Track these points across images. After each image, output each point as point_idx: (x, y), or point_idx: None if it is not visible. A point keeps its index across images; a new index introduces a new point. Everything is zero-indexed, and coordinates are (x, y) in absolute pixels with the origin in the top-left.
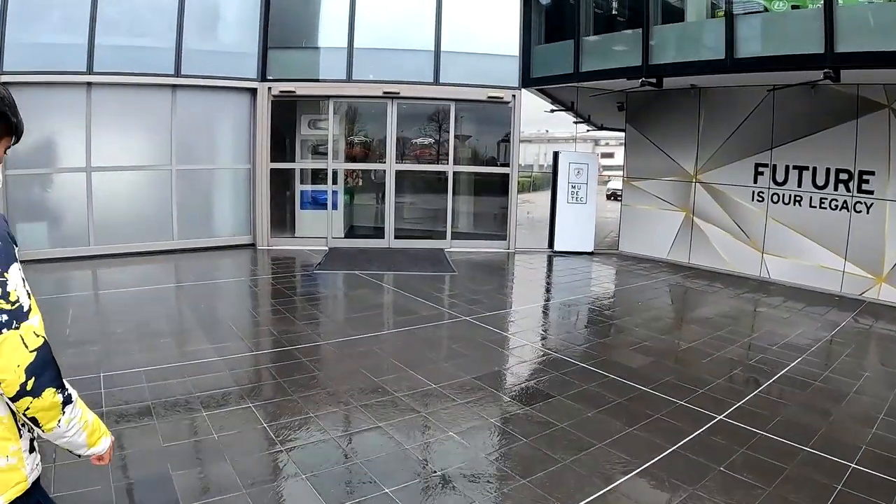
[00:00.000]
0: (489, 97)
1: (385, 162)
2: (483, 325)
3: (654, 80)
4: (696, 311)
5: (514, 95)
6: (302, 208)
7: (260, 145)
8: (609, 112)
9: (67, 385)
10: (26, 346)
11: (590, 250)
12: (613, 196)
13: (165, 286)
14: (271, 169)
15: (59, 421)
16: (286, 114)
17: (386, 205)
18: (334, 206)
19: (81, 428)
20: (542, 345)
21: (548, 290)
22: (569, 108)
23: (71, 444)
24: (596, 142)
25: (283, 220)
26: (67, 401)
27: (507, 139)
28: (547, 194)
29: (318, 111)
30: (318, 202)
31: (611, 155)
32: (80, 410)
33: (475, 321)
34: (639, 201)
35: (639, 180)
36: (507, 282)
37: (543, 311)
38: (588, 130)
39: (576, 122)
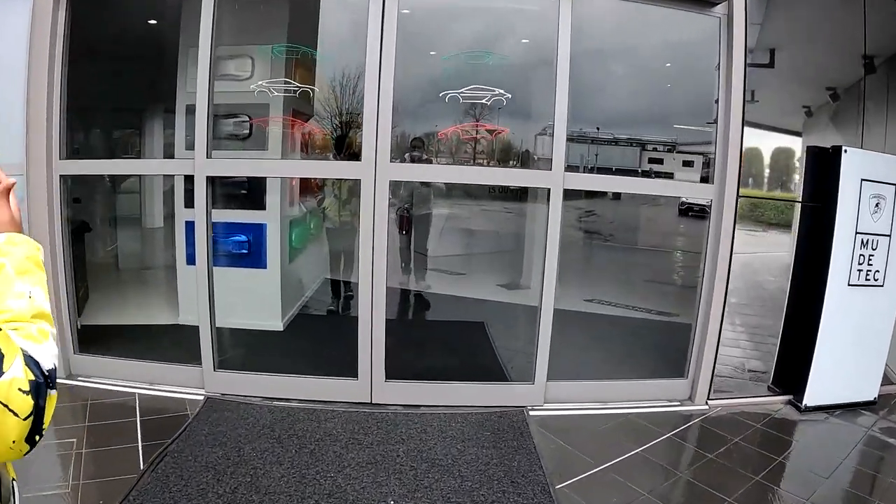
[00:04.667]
0: None
1: (360, 159)
2: None
3: None
4: None
5: None
6: (189, 263)
7: (34, 117)
8: (803, 75)
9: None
10: (14, 414)
11: (872, 398)
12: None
13: None
14: (65, 177)
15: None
16: (140, 40)
17: (361, 276)
18: (259, 262)
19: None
20: None
21: None
22: (767, 63)
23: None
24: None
25: (153, 290)
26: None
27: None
28: None
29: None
30: (227, 247)
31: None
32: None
33: None
34: None
35: None
36: None
37: None
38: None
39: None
